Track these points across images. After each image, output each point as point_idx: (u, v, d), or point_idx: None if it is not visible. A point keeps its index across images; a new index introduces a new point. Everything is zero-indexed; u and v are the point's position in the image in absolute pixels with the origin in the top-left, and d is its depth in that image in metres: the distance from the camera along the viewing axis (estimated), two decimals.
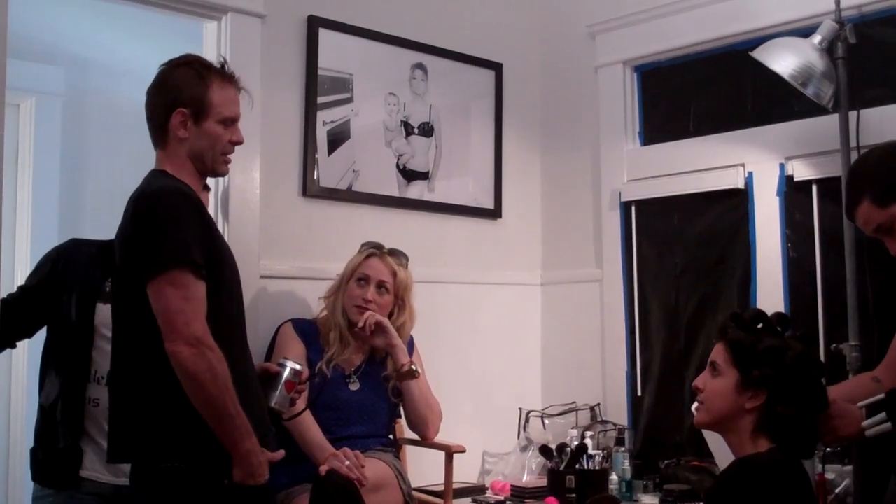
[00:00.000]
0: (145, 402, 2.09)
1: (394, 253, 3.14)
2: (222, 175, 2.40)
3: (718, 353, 2.09)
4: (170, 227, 2.06)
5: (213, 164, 2.27)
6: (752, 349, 2.04)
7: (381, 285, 3.07)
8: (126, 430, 2.12)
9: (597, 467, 3.33)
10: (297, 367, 2.44)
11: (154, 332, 2.04)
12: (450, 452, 3.08)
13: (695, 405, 2.18)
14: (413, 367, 3.03)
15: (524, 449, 3.65)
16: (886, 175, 2.25)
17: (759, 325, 2.10)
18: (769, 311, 2.14)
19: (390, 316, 3.10)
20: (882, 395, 2.10)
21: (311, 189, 3.39)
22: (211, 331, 2.05)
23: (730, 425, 2.06)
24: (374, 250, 3.12)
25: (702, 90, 3.66)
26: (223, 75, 2.28)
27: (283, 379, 2.41)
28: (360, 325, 3.00)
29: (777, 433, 2.01)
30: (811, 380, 2.05)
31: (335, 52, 3.48)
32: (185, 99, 2.21)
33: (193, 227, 2.09)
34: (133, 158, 2.96)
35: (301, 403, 2.60)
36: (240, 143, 2.32)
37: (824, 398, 2.08)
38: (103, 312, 2.63)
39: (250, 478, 2.08)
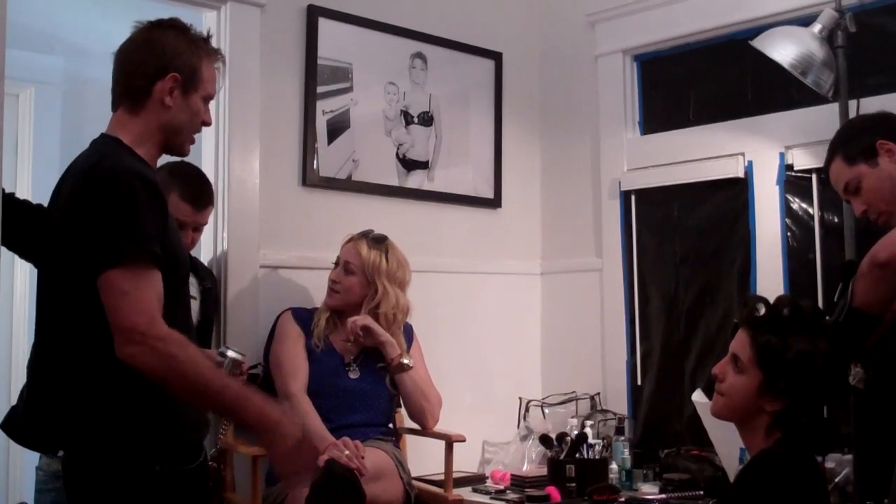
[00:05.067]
0: (71, 391, 1.91)
1: (367, 235, 3.14)
2: (185, 155, 2.18)
3: (742, 346, 1.99)
4: (129, 214, 1.87)
5: (182, 141, 2.09)
6: (780, 356, 1.93)
7: (345, 266, 3.10)
8: (50, 419, 1.94)
9: (597, 456, 3.33)
10: (238, 356, 2.27)
11: (85, 319, 1.89)
12: (450, 442, 3.08)
13: (713, 392, 2.13)
14: (403, 361, 3.04)
15: (524, 438, 3.65)
16: (859, 134, 2.35)
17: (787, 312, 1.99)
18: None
19: (364, 298, 3.10)
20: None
21: (310, 178, 3.39)
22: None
23: (746, 420, 2.00)
24: (353, 235, 3.15)
25: (702, 79, 3.66)
26: (211, 50, 2.11)
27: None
28: (350, 338, 3.05)
29: (793, 434, 1.95)
30: (836, 379, 1.98)
31: (335, 41, 3.47)
32: (180, 65, 2.03)
33: (152, 214, 1.90)
34: None
35: None
36: (209, 124, 2.15)
37: (847, 392, 2.04)
38: None
39: (280, 440, 1.90)
